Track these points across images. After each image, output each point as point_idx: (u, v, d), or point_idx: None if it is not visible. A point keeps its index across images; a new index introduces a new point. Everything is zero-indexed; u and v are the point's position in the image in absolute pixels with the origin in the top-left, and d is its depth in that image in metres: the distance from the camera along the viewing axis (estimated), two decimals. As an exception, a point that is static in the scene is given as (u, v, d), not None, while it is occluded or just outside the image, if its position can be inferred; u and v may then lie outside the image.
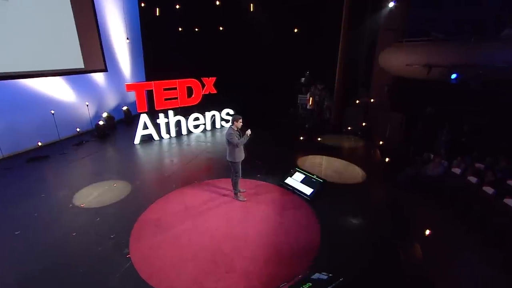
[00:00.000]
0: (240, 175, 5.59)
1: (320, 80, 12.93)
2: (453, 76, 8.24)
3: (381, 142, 9.42)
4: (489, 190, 6.57)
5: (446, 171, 8.13)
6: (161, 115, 9.26)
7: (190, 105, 9.95)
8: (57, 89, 8.97)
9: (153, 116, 9.22)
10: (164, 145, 9.10)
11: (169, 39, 12.15)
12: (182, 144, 9.17)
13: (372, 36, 10.67)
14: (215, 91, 10.40)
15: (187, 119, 9.94)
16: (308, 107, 11.64)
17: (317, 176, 6.21)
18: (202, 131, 10.36)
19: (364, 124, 10.40)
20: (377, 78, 10.85)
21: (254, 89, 12.18)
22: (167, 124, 9.48)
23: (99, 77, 10.51)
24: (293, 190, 6.09)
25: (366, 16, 10.64)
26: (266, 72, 12.42)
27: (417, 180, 7.76)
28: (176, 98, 9.51)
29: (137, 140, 8.99)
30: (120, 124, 11.30)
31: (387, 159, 8.39)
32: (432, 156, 9.01)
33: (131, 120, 11.49)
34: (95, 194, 5.87)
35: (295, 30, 11.67)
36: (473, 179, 7.31)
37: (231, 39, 12.40)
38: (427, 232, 4.77)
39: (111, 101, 11.29)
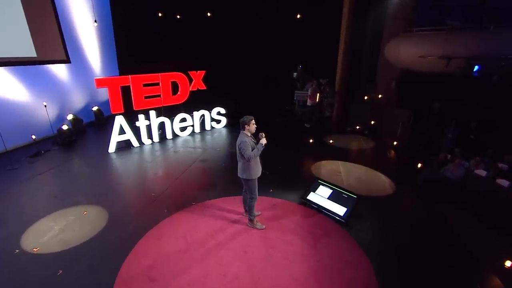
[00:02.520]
0: (257, 196, 4.27)
1: (318, 74, 11.88)
2: (476, 68, 7.44)
3: (395, 143, 8.49)
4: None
5: (468, 173, 7.36)
6: (141, 117, 7.63)
7: (176, 103, 8.38)
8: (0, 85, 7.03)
9: (131, 118, 7.56)
10: (146, 153, 7.50)
11: (147, 25, 10.34)
12: (168, 151, 7.62)
13: (377, 26, 9.70)
14: (204, 87, 8.90)
15: (172, 120, 8.38)
16: (308, 104, 10.46)
17: (347, 190, 5.04)
18: (190, 134, 8.85)
19: (372, 122, 9.44)
20: (383, 72, 9.96)
21: (248, 85, 10.78)
22: (149, 127, 7.88)
23: (60, 70, 8.58)
24: (318, 209, 4.88)
25: (371, 4, 9.65)
26: (261, 66, 11.07)
27: (437, 183, 6.96)
28: (158, 96, 7.91)
29: (112, 148, 7.31)
30: (90, 128, 9.46)
31: (407, 162, 7.46)
32: (449, 156, 8.24)
33: (103, 122, 9.69)
34: (55, 230, 4.25)
35: (298, 16, 10.37)
36: (504, 183, 6.54)
37: (222, 27, 10.85)
38: (507, 264, 3.76)
39: (78, 100, 9.37)
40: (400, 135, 9.02)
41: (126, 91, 7.25)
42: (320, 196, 5.06)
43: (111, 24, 10.27)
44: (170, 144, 8.11)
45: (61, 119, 8.42)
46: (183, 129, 8.70)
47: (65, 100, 8.80)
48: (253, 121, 4.04)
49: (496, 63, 7.57)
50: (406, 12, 8.99)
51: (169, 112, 8.34)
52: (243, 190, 4.54)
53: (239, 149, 3.95)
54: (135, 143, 7.66)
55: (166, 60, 9.05)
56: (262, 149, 3.99)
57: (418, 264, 3.78)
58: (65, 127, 7.82)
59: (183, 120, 8.65)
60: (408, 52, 8.72)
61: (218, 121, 9.62)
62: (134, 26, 10.09)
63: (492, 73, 7.72)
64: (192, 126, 8.90)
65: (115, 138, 7.26)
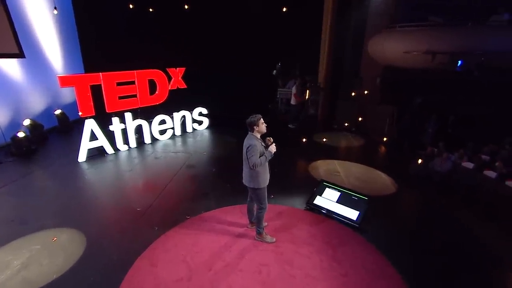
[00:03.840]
0: (267, 206, 3.75)
1: (300, 71, 11.64)
2: (459, 63, 7.57)
3: (385, 139, 8.44)
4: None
5: (455, 166, 7.48)
6: (115, 120, 6.72)
7: (154, 104, 7.55)
8: None
9: (104, 122, 6.63)
10: (122, 160, 6.62)
11: (116, 16, 9.25)
12: (148, 157, 6.80)
13: (360, 22, 9.63)
14: (184, 86, 8.15)
15: (150, 123, 7.54)
16: (292, 102, 10.11)
17: (356, 192, 4.70)
18: (170, 138, 8.05)
19: (360, 119, 9.34)
20: (367, 68, 9.93)
21: (229, 83, 10.18)
22: (124, 131, 6.98)
23: (11, 67, 7.30)
24: (328, 214, 4.48)
25: (353, 0, 9.55)
26: (242, 63, 10.51)
27: (428, 177, 7.01)
28: (134, 96, 7.04)
29: (82, 157, 6.33)
30: (53, 134, 8.24)
31: (402, 159, 7.39)
32: (436, 150, 8.35)
33: (69, 128, 8.53)
34: (15, 266, 3.37)
35: (281, 11, 9.95)
36: (491, 174, 6.70)
37: (200, 22, 10.10)
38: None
39: (36, 102, 8.10)
40: (387, 131, 9.02)
41: (96, 91, 6.31)
42: (328, 199, 4.67)
43: (73, 15, 9.05)
44: (149, 149, 7.27)
45: (15, 125, 7.17)
46: (162, 132, 7.89)
47: (20, 102, 7.53)
48: (262, 120, 3.51)
49: (476, 58, 7.80)
50: (389, 9, 9.02)
51: (147, 113, 7.49)
52: (248, 199, 4.00)
53: (246, 153, 3.39)
54: (109, 149, 6.73)
55: (141, 57, 8.14)
56: (270, 157, 3.47)
57: (444, 266, 3.51)
58: (21, 134, 6.65)
59: (163, 122, 7.84)
60: (392, 48, 8.73)
61: (200, 122, 8.92)
62: (101, 18, 8.99)
63: (472, 68, 7.95)
64: (173, 128, 8.12)
65: (85, 145, 6.28)
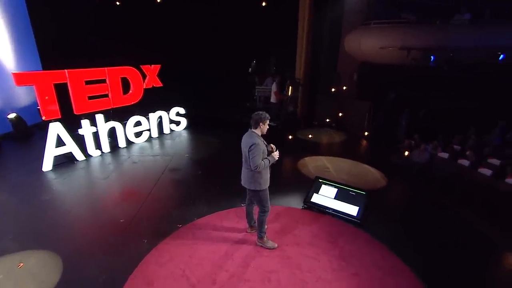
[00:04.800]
0: (270, 208, 3.49)
1: (277, 68, 11.59)
2: (432, 59, 7.93)
3: (366, 133, 8.60)
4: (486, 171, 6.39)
5: (432, 156, 7.84)
6: (85, 122, 6.04)
7: (128, 104, 6.93)
8: None
9: (72, 125, 5.91)
10: (95, 167, 5.96)
11: (79, 8, 8.35)
12: (124, 162, 6.20)
13: (337, 19, 9.73)
14: (160, 84, 7.60)
15: (124, 125, 6.92)
16: (273, 100, 9.95)
17: (353, 187, 4.62)
18: (147, 140, 7.46)
19: (340, 114, 9.43)
20: (344, 64, 10.07)
21: (207, 81, 9.76)
22: (96, 134, 6.30)
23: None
24: (326, 211, 4.35)
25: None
26: (220, 60, 10.14)
27: (408, 168, 7.28)
28: (106, 96, 6.39)
29: (47, 165, 5.57)
30: (8, 141, 7.22)
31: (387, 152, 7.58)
32: (413, 142, 8.70)
33: (26, 134, 7.56)
34: (-23, 300, 2.78)
35: (260, 6, 9.71)
36: (465, 162, 7.10)
37: (175, 15, 9.51)
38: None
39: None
40: (366, 126, 9.22)
41: (61, 90, 5.59)
42: (325, 196, 4.54)
43: (24, 4, 7.97)
44: (124, 153, 6.65)
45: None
46: (138, 134, 7.28)
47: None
48: (268, 120, 3.24)
49: (445, 54, 8.22)
50: (363, 6, 9.20)
51: (120, 115, 6.84)
52: (246, 202, 3.72)
53: (248, 152, 3.09)
54: (79, 156, 6.02)
55: (111, 54, 7.42)
56: (274, 160, 3.25)
57: (448, 255, 3.53)
58: (-32, 143, 5.71)
59: (138, 123, 7.24)
60: (368, 44, 8.91)
61: (178, 123, 8.40)
62: (61, 12, 8.07)
63: (442, 64, 8.37)
64: (149, 130, 7.54)
65: (51, 151, 5.53)
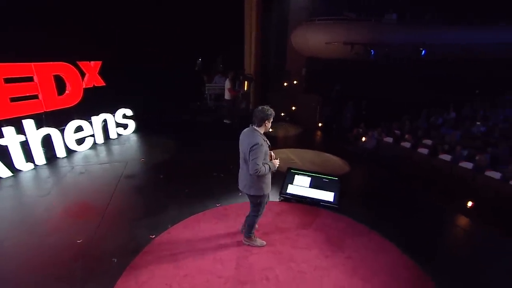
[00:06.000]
0: (262, 213, 3.28)
1: (226, 65, 11.38)
2: (372, 53, 8.72)
3: (320, 124, 9.02)
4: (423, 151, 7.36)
5: (379, 142, 8.69)
6: (9, 130, 4.93)
7: (65, 107, 5.93)
8: None
9: (-9, 134, 4.78)
10: (28, 183, 4.93)
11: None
12: (67, 173, 5.27)
13: (283, 15, 9.98)
14: (103, 83, 6.71)
15: (62, 131, 5.90)
16: (227, 97, 9.70)
17: (325, 174, 4.74)
18: (91, 147, 6.51)
19: (293, 108, 9.71)
20: (292, 59, 10.41)
21: (154, 79, 9.00)
22: (26, 144, 5.22)
23: None
24: (303, 200, 4.39)
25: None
26: (168, 56, 9.45)
27: (359, 154, 7.95)
28: (35, 97, 5.34)
29: (-41, 188, 4.38)
30: None
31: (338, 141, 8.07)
32: (360, 131, 9.49)
33: None
34: None
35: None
36: (407, 144, 8.02)
37: (118, 7, 8.42)
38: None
39: None
40: (318, 118, 9.70)
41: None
42: (301, 186, 4.57)
43: None
44: (65, 164, 5.67)
45: None
46: (80, 141, 6.29)
47: None
48: (273, 116, 2.90)
49: (382, 49, 9.15)
50: (308, 3, 9.63)
51: (57, 119, 5.81)
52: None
53: (249, 153, 2.75)
54: (3, 172, 4.90)
55: (40, 48, 6.15)
56: (275, 168, 2.97)
57: (417, 223, 3.90)
58: None
59: (79, 129, 6.25)
60: (315, 39, 9.38)
61: (125, 126, 7.55)
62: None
63: (379, 57, 9.30)
64: (93, 136, 6.58)
65: (-37, 169, 4.36)
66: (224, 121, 9.43)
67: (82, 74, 6.20)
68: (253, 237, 3.39)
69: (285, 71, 10.29)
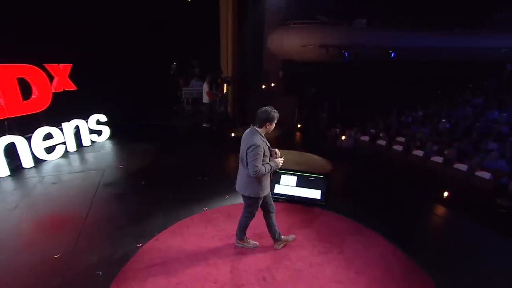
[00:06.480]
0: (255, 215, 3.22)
1: (201, 69, 11.29)
2: (345, 55, 9.07)
3: (299, 125, 9.17)
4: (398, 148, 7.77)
5: (356, 140, 9.03)
6: (-33, 140, 4.47)
7: (32, 113, 5.49)
8: None
9: None
10: (-8, 197, 4.48)
11: None
12: (36, 185, 4.86)
13: (259, 19, 10.07)
14: (74, 87, 6.32)
15: (29, 139, 5.45)
16: (205, 101, 9.56)
17: (310, 173, 4.81)
18: (63, 156, 6.08)
19: (273, 110, 9.79)
20: (269, 62, 10.51)
21: (128, 83, 8.65)
22: (-13, 154, 4.75)
23: None
24: (291, 199, 4.42)
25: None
26: (142, 59, 9.13)
27: (339, 152, 8.22)
28: (-3, 103, 4.90)
29: None
30: None
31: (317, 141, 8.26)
32: (338, 130, 9.79)
33: None
34: None
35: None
36: (382, 142, 8.41)
37: (89, 7, 7.97)
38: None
39: None
40: (297, 119, 9.88)
41: None
42: (287, 185, 4.61)
43: None
44: (33, 174, 5.23)
45: None
46: (50, 149, 5.85)
47: None
48: (276, 120, 2.83)
49: (354, 51, 9.55)
50: (282, 7, 9.80)
51: (23, 126, 5.37)
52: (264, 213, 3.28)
53: (247, 154, 2.71)
54: (-38, 186, 4.41)
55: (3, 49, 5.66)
56: (276, 168, 2.89)
57: (399, 215, 4.09)
58: None
59: (49, 136, 5.81)
60: (291, 42, 9.56)
61: (99, 133, 7.16)
62: None
63: (352, 59, 9.70)
64: (64, 143, 6.16)
65: None
66: (203, 124, 9.28)
67: (51, 78, 5.79)
68: (245, 238, 3.34)
69: (263, 72, 10.36)
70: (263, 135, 2.82)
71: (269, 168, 2.79)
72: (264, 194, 2.97)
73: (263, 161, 2.75)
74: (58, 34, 7.05)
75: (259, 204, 3.07)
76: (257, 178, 2.81)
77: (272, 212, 3.19)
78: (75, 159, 6.04)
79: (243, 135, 2.89)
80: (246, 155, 2.71)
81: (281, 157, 2.95)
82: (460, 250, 3.50)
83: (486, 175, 5.70)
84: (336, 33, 9.20)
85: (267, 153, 2.83)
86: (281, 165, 2.95)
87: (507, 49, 11.99)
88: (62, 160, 5.92)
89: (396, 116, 10.55)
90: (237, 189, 3.03)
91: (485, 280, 3.01)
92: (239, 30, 9.48)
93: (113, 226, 3.73)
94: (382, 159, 7.66)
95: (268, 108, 2.79)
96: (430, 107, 10.84)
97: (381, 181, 5.55)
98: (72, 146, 6.33)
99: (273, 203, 3.21)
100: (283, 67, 10.49)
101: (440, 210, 4.52)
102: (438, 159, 6.61)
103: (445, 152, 6.79)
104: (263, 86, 9.97)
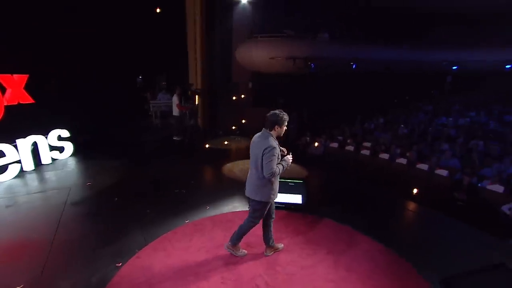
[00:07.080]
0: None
1: (168, 82, 11.11)
2: (312, 66, 9.55)
3: (272, 135, 9.32)
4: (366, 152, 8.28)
5: (326, 147, 9.45)
6: None
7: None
8: None
9: None
10: None
11: None
12: (-12, 209, 4.29)
13: (227, 32, 10.23)
14: (30, 100, 5.79)
15: (-24, 158, 4.84)
16: (175, 114, 9.31)
17: (290, 179, 4.89)
18: (17, 176, 5.46)
19: (243, 121, 9.85)
20: (238, 74, 10.66)
21: (93, 96, 8.15)
22: None
23: None
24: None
25: (217, 12, 10.01)
26: (106, 71, 8.68)
27: (310, 159, 8.52)
28: None
29: None
30: None
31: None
32: (308, 139, 10.15)
33: None
34: None
35: (158, 10, 8.90)
36: (350, 148, 8.90)
37: (51, 12, 7.37)
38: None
39: None
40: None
41: None
42: (269, 193, 4.61)
43: None
44: (-18, 198, 4.62)
45: None
46: (1, 169, 5.23)
47: None
48: (286, 122, 2.88)
49: (320, 63, 10.11)
50: (249, 21, 10.09)
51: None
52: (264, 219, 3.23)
53: (263, 156, 2.71)
54: None
55: None
56: (287, 167, 2.92)
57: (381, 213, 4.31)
58: None
59: (0, 154, 5.21)
60: (259, 55, 9.84)
61: (61, 149, 6.59)
62: None
63: (318, 71, 10.24)
64: (19, 162, 5.55)
65: None
66: (174, 138, 9.01)
67: (3, 90, 5.26)
68: (238, 245, 3.26)
69: (231, 85, 10.44)
70: (275, 137, 2.86)
71: (282, 168, 2.84)
72: (274, 198, 3.02)
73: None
74: (15, 43, 6.47)
75: (267, 210, 3.05)
76: (269, 181, 2.84)
77: (273, 218, 3.24)
78: (33, 179, 5.46)
79: (254, 139, 2.91)
80: (262, 157, 2.72)
81: (289, 154, 3.00)
82: (434, 240, 3.78)
83: (444, 172, 6.29)
84: (302, 45, 9.68)
85: (279, 156, 2.87)
86: (291, 161, 2.98)
87: (446, 62, 13.59)
88: (17, 181, 5.31)
89: (360, 123, 11.28)
90: (247, 194, 3.03)
91: (456, 260, 3.29)
92: (208, 43, 9.53)
93: (86, 248, 3.40)
94: (352, 163, 8.06)
95: (277, 111, 2.84)
96: (388, 114, 11.76)
97: (354, 183, 5.82)
98: (29, 165, 5.72)
99: (275, 210, 3.25)
100: (252, 79, 10.70)
101: (411, 206, 4.86)
102: (403, 160, 7.14)
103: (407, 154, 7.37)
104: (234, 98, 10.04)
